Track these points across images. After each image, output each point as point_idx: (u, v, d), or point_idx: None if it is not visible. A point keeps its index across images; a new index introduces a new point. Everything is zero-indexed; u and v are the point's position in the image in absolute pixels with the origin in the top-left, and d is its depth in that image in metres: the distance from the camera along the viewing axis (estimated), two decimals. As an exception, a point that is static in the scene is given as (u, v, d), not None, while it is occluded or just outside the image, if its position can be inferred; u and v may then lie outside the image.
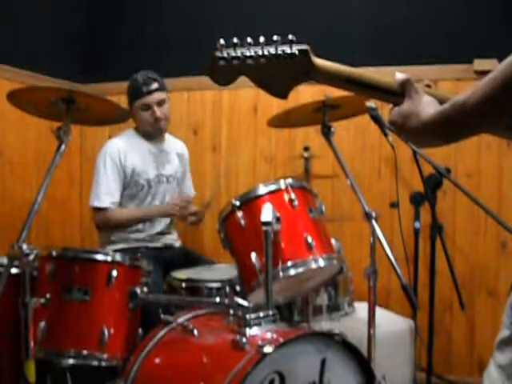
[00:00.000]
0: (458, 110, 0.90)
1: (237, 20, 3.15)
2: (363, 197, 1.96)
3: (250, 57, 1.01)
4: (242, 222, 1.86)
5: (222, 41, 1.03)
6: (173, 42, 3.25)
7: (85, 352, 1.81)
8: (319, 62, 1.04)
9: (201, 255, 2.75)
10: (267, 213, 1.72)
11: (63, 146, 1.83)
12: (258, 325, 1.62)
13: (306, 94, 2.98)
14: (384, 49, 2.92)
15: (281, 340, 1.52)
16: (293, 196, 1.87)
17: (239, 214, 1.86)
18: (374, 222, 1.88)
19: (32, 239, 2.66)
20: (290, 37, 1.02)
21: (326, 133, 2.07)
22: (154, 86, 2.56)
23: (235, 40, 1.02)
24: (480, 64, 2.77)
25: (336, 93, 2.06)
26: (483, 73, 2.76)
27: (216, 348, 1.67)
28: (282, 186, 1.90)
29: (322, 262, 1.84)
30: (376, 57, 2.91)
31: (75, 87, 3.03)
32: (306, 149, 2.76)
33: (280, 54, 1.00)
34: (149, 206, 2.63)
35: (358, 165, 2.91)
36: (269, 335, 1.58)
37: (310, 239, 1.82)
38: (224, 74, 1.03)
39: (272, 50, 1.01)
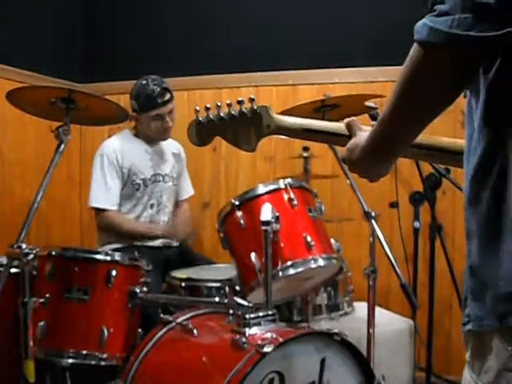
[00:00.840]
0: (381, 125, 0.94)
1: (237, 20, 3.16)
2: (363, 196, 1.96)
3: (220, 118, 1.18)
4: (242, 221, 1.86)
5: (197, 107, 1.20)
6: (172, 42, 3.26)
7: (84, 352, 1.81)
8: (277, 117, 1.18)
9: (200, 255, 2.75)
10: (267, 212, 1.72)
11: (63, 146, 1.83)
12: (258, 324, 1.62)
13: (306, 93, 2.99)
14: (384, 49, 2.92)
15: (280, 340, 1.52)
16: (292, 196, 1.88)
17: (239, 213, 1.86)
18: (373, 221, 1.89)
19: (31, 239, 2.66)
20: (252, 96, 1.19)
21: (326, 133, 2.07)
22: (168, 96, 2.55)
23: (208, 105, 1.21)
24: (479, 64, 2.77)
25: (336, 92, 2.07)
26: (482, 73, 2.76)
27: (215, 348, 1.68)
28: (282, 186, 1.90)
29: (321, 262, 1.84)
30: (376, 57, 2.91)
31: (75, 87, 3.03)
32: (306, 148, 2.75)
33: (244, 112, 1.17)
34: (151, 225, 2.64)
35: (358, 165, 2.90)
36: (268, 335, 1.58)
37: (309, 239, 1.82)
38: (201, 136, 1.21)
39: (237, 110, 1.18)
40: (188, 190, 2.88)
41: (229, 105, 1.19)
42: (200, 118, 1.20)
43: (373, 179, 1.09)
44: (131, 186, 2.59)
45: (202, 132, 1.20)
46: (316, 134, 1.17)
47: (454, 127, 2.76)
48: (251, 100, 1.18)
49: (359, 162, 1.04)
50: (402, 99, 0.87)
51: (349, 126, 1.11)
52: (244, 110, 1.17)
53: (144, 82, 2.55)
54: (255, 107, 1.17)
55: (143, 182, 2.62)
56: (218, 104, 1.19)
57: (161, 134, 2.64)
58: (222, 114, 1.18)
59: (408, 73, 0.85)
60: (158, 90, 2.52)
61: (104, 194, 2.52)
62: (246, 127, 1.18)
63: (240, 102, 1.18)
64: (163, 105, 2.53)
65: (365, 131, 1.06)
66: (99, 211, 2.54)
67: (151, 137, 2.65)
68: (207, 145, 1.23)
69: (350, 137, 1.09)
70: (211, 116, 1.19)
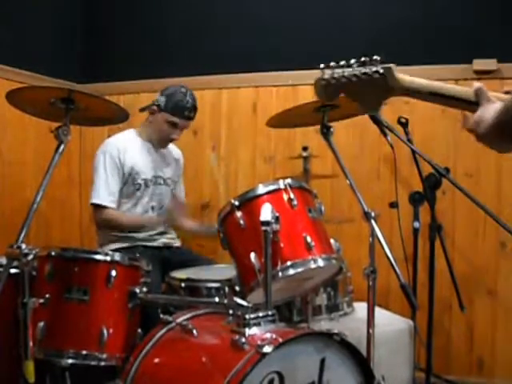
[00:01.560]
0: (506, 113, 1.03)
1: (237, 20, 3.16)
2: (362, 197, 1.95)
3: (344, 77, 1.17)
4: (242, 221, 1.85)
5: (322, 65, 1.21)
6: (172, 42, 3.26)
7: (84, 352, 1.81)
8: (402, 77, 1.16)
9: (200, 255, 2.76)
10: (266, 213, 1.71)
11: (62, 146, 1.83)
12: (258, 325, 1.61)
13: (306, 94, 2.99)
14: (383, 49, 2.91)
15: (280, 340, 1.52)
16: (292, 196, 1.87)
17: (238, 213, 1.86)
18: (373, 221, 1.88)
19: (31, 239, 2.65)
20: (376, 57, 1.16)
21: (326, 133, 2.07)
22: (192, 115, 2.60)
23: (332, 63, 1.20)
24: (479, 64, 2.77)
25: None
26: (482, 73, 2.76)
27: (215, 348, 1.68)
28: (282, 186, 1.90)
29: (321, 262, 1.84)
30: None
31: (74, 87, 3.03)
32: (305, 149, 2.75)
33: (368, 73, 1.15)
34: (150, 217, 2.65)
35: (358, 165, 2.91)
36: (268, 335, 1.58)
37: (309, 239, 1.82)
38: (326, 92, 1.21)
39: (362, 70, 1.16)
40: (182, 191, 2.89)
41: (352, 64, 1.17)
42: (326, 76, 1.19)
43: (501, 152, 1.14)
44: (132, 186, 2.60)
45: (328, 89, 1.19)
46: (442, 98, 1.16)
47: (453, 127, 2.76)
48: (375, 61, 1.15)
49: (485, 137, 1.09)
50: None
51: (477, 95, 1.12)
52: (367, 70, 1.14)
53: (183, 89, 2.58)
54: (380, 68, 1.14)
55: (144, 182, 2.62)
56: (342, 63, 1.18)
57: (162, 141, 2.66)
58: (345, 73, 1.16)
59: None
60: (190, 105, 2.57)
61: (105, 191, 2.53)
62: (370, 87, 1.15)
63: (363, 63, 1.16)
64: (185, 119, 2.58)
65: (493, 102, 1.09)
66: (99, 208, 2.54)
67: (153, 139, 2.66)
68: (333, 100, 1.25)
69: (477, 103, 1.11)
70: (335, 74, 1.17)
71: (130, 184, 2.59)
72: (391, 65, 1.15)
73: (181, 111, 2.55)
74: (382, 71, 1.13)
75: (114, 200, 2.55)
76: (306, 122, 2.32)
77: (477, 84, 1.14)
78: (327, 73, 1.18)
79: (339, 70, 1.17)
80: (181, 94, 2.57)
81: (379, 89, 1.15)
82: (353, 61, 1.16)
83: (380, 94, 1.16)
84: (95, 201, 2.53)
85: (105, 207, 2.53)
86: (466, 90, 1.15)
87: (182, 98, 2.56)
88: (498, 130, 1.06)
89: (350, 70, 1.16)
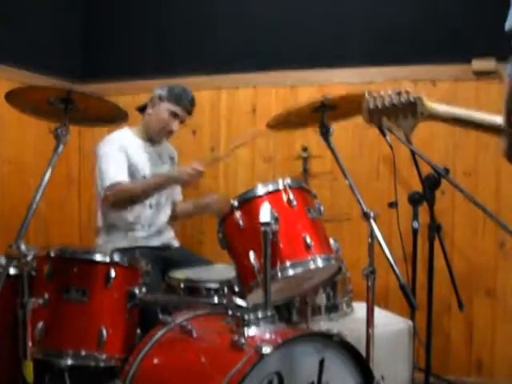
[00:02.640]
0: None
1: (236, 20, 3.16)
2: (361, 197, 1.95)
3: (384, 106, 1.41)
4: (241, 222, 1.85)
5: (367, 95, 1.44)
6: (172, 42, 3.26)
7: (83, 352, 1.81)
8: (431, 105, 1.40)
9: (199, 255, 2.76)
10: (266, 213, 1.71)
11: (61, 146, 1.83)
12: (257, 325, 1.61)
13: (305, 94, 2.99)
14: (383, 49, 2.92)
15: (279, 340, 1.52)
16: (291, 196, 1.87)
17: (238, 214, 1.86)
18: (372, 221, 1.88)
19: (30, 239, 2.66)
20: (408, 89, 1.41)
21: (325, 133, 2.07)
22: (191, 109, 2.66)
23: (375, 94, 1.43)
24: (478, 64, 2.77)
25: (335, 93, 2.06)
26: (481, 73, 2.76)
27: (214, 348, 1.67)
28: (281, 186, 1.90)
29: (320, 262, 1.84)
30: (375, 57, 2.92)
31: (74, 87, 3.02)
32: (305, 149, 2.76)
33: (402, 102, 1.39)
34: (160, 174, 2.61)
35: (357, 165, 2.91)
36: (267, 336, 1.58)
37: (308, 239, 1.82)
38: (372, 118, 1.43)
39: (398, 100, 1.40)
40: (178, 193, 2.88)
41: (390, 95, 1.41)
42: (370, 105, 1.41)
43: None
44: None
45: (374, 116, 1.42)
46: (468, 124, 1.37)
47: (453, 128, 2.75)
48: (407, 92, 1.39)
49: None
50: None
51: None
52: (403, 99, 1.38)
53: (186, 88, 2.66)
54: (411, 98, 1.38)
55: (143, 179, 2.61)
56: (382, 94, 1.41)
57: (161, 132, 2.66)
58: (385, 103, 1.39)
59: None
60: (190, 98, 2.65)
61: (114, 170, 2.49)
62: (405, 114, 1.38)
63: (399, 93, 1.39)
64: (185, 111, 2.63)
65: None
66: (113, 186, 2.47)
67: (151, 131, 2.67)
68: (377, 124, 1.45)
69: (497, 129, 1.27)
70: (378, 103, 1.40)
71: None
72: (421, 95, 1.38)
73: (182, 101, 2.61)
74: (413, 101, 1.38)
75: (125, 174, 2.51)
76: (306, 123, 2.32)
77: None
78: (371, 101, 1.41)
79: (380, 100, 1.41)
80: (183, 88, 2.65)
81: (412, 114, 1.38)
82: (390, 91, 1.41)
83: (413, 119, 1.39)
84: (107, 182, 2.48)
85: (117, 183, 2.48)
86: (493, 117, 1.32)
87: (183, 91, 2.64)
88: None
89: (389, 100, 1.40)
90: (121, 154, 2.55)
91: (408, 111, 1.38)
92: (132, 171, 2.58)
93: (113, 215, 2.60)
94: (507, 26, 1.13)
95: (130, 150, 2.61)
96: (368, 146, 2.95)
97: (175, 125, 2.63)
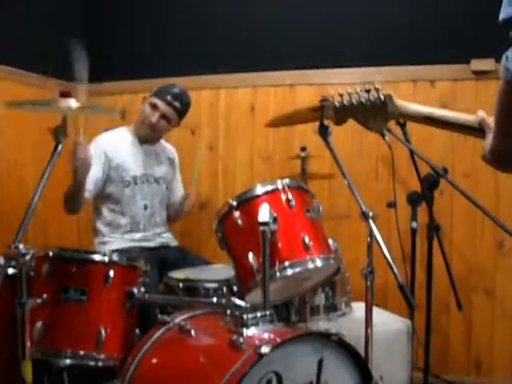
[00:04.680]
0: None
1: (236, 20, 3.16)
2: (360, 197, 1.95)
3: (351, 104, 1.36)
4: (239, 222, 1.85)
5: (331, 95, 1.41)
6: (172, 42, 3.26)
7: (82, 352, 1.80)
8: (401, 104, 1.33)
9: (197, 255, 2.75)
10: (264, 213, 1.71)
11: (60, 147, 1.83)
12: (256, 325, 1.61)
13: (304, 94, 3.00)
14: (382, 49, 2.92)
15: (278, 340, 1.52)
16: (290, 196, 1.87)
17: (236, 214, 1.86)
18: (371, 221, 1.88)
19: (29, 239, 2.66)
20: (378, 85, 1.35)
21: (324, 133, 2.06)
22: (176, 103, 2.61)
23: (341, 91, 1.39)
24: (477, 64, 2.78)
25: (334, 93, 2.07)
26: (480, 73, 2.77)
27: (213, 348, 1.67)
28: (279, 186, 1.90)
29: (319, 262, 1.84)
30: (375, 57, 2.92)
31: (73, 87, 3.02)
32: (303, 149, 2.76)
33: (371, 100, 1.33)
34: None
35: (356, 165, 2.91)
36: (266, 335, 1.58)
37: (307, 239, 1.82)
38: (337, 117, 1.41)
39: (365, 98, 1.34)
40: (180, 189, 2.88)
41: (358, 92, 1.36)
42: (335, 103, 1.38)
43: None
44: (121, 183, 2.58)
45: (338, 114, 1.39)
46: (440, 123, 1.29)
47: (452, 127, 2.76)
48: (377, 89, 1.33)
49: (495, 165, 1.16)
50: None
51: (481, 125, 1.21)
52: (371, 97, 1.33)
53: (177, 85, 2.66)
54: (381, 96, 1.32)
55: (133, 179, 2.61)
56: (349, 91, 1.37)
57: (143, 126, 2.64)
58: (353, 101, 1.35)
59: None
60: (175, 92, 2.61)
61: None
62: (374, 112, 1.33)
63: (368, 91, 1.34)
64: (166, 103, 2.59)
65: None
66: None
67: (139, 129, 2.66)
68: (342, 124, 1.42)
69: (479, 130, 1.21)
70: (344, 102, 1.36)
71: (118, 181, 2.58)
72: (391, 92, 1.32)
73: (163, 94, 2.59)
74: (383, 99, 1.31)
75: (89, 184, 2.43)
76: (305, 122, 2.32)
77: (480, 114, 1.21)
78: (337, 100, 1.36)
79: (347, 98, 1.36)
80: (171, 84, 2.65)
81: (382, 113, 1.32)
82: (359, 89, 1.35)
83: (383, 117, 1.34)
84: None
85: None
86: (458, 115, 1.26)
87: (170, 86, 2.63)
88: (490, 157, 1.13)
89: (357, 97, 1.32)
90: (96, 162, 2.46)
91: (377, 110, 1.32)
92: (119, 172, 2.58)
93: (109, 216, 2.60)
94: (503, 14, 1.02)
95: (121, 148, 2.61)
96: (367, 145, 2.95)
97: (154, 117, 2.59)
